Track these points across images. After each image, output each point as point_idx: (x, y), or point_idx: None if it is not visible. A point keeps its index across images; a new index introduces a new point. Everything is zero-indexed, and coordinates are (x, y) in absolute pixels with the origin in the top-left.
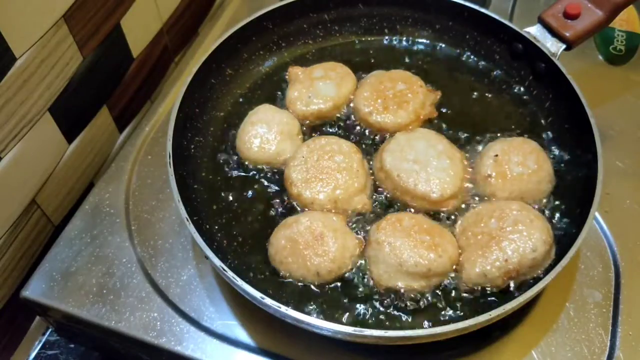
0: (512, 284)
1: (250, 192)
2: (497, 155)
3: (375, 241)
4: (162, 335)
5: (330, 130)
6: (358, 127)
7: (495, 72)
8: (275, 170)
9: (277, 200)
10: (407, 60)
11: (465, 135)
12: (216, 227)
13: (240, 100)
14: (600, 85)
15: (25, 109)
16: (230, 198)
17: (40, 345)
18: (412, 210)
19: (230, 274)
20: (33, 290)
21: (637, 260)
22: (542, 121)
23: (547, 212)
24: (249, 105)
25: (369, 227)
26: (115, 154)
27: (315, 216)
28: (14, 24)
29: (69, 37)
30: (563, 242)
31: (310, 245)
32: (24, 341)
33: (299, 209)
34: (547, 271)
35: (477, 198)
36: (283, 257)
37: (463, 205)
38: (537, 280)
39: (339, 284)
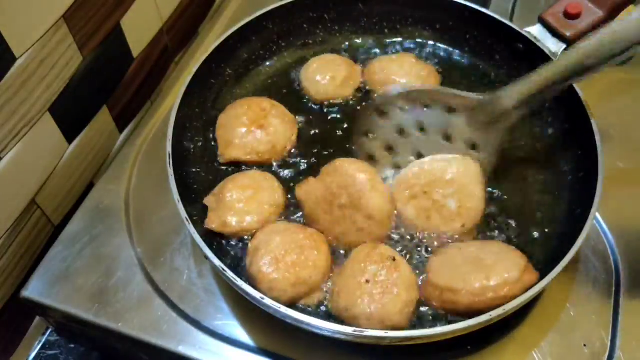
0: None
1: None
2: None
3: None
4: (162, 335)
5: None
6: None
7: (495, 72)
8: (275, 170)
9: None
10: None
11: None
12: None
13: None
14: (600, 85)
15: (25, 109)
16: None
17: (40, 345)
18: None
19: (230, 274)
20: (33, 290)
21: (637, 260)
22: (543, 121)
23: (547, 211)
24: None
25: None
26: (115, 154)
27: None
28: (14, 24)
29: (69, 37)
30: (563, 241)
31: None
32: (24, 341)
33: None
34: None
35: None
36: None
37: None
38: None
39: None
